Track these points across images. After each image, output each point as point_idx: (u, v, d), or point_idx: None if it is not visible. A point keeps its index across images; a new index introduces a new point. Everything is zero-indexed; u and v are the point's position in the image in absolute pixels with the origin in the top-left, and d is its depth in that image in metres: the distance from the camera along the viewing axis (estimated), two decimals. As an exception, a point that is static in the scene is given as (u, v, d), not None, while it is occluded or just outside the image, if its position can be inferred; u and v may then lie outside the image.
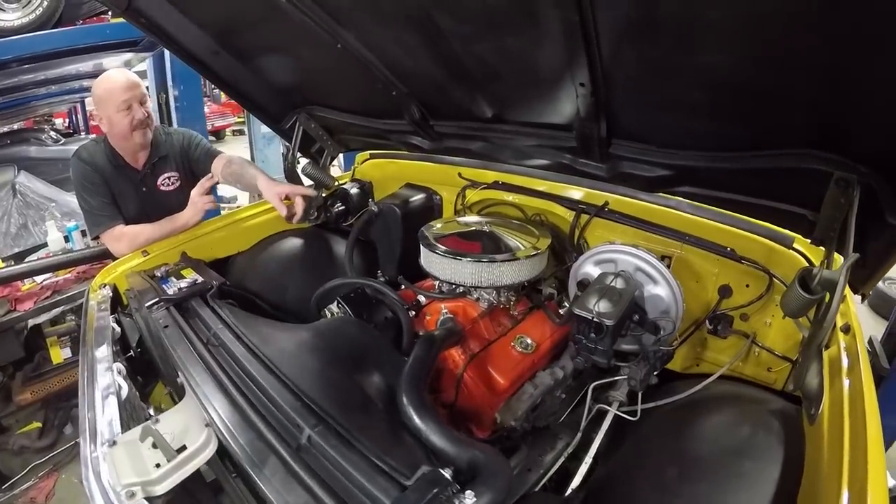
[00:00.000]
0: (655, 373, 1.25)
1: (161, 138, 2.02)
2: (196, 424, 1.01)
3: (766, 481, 0.92)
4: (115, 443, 1.00)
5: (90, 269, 2.37)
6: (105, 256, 2.33)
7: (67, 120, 7.58)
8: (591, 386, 1.36)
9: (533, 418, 1.41)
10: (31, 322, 2.27)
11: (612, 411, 1.28)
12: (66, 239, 2.56)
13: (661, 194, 1.46)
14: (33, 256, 2.56)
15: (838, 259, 1.05)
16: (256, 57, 1.80)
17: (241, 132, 12.60)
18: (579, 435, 1.37)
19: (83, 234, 2.52)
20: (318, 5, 1.30)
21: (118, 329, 1.53)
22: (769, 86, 0.90)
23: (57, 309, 2.32)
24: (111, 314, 1.57)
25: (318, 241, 2.21)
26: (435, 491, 0.71)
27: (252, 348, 1.14)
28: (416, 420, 0.95)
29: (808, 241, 1.17)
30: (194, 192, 1.94)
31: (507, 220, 1.72)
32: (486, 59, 1.25)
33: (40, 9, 2.53)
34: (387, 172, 2.31)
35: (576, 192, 1.68)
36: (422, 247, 1.59)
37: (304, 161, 2.21)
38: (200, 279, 1.57)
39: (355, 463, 0.79)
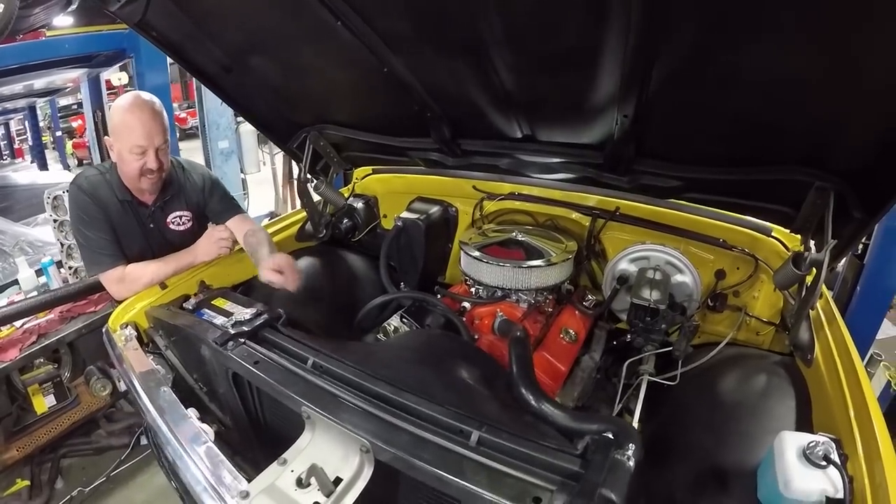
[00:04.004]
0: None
1: (177, 174, 1.88)
2: (344, 452, 1.01)
3: (788, 412, 1.20)
4: (247, 494, 0.93)
5: (74, 308, 2.18)
6: (93, 290, 2.17)
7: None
8: (627, 363, 1.62)
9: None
10: None
11: (651, 379, 1.54)
12: (39, 273, 2.29)
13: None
14: (2, 298, 2.27)
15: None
16: (275, 75, 1.78)
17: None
18: (619, 405, 1.63)
19: (59, 266, 2.28)
20: (373, 30, 1.32)
21: (161, 370, 1.50)
22: (777, 121, 1.19)
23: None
24: (149, 356, 1.53)
25: (334, 257, 2.26)
26: (611, 450, 0.89)
27: (362, 370, 1.18)
28: (540, 406, 1.12)
29: (788, 230, 1.52)
30: (216, 230, 1.86)
31: (531, 228, 1.93)
32: (535, 89, 1.38)
33: (-10, 23, 2.23)
34: (393, 187, 2.39)
35: (588, 199, 1.92)
36: (466, 256, 1.74)
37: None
38: (253, 309, 1.50)
39: (530, 446, 0.92)
